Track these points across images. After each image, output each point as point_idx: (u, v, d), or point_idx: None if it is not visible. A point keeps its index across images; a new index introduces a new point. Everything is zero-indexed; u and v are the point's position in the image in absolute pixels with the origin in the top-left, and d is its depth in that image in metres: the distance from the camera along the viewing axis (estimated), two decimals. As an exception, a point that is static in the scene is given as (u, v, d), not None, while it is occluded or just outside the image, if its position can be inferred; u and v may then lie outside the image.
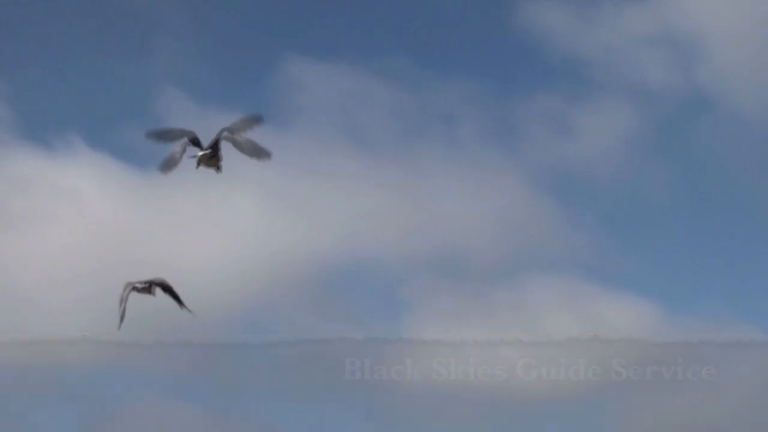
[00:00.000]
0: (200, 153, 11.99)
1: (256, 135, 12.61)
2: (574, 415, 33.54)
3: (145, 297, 14.03)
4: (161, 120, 37.14)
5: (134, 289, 13.69)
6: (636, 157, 37.46)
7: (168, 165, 12.39)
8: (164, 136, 12.20)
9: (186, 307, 13.56)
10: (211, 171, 12.62)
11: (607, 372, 32.96)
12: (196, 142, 12.65)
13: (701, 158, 37.51)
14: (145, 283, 13.73)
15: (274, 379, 33.43)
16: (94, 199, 32.69)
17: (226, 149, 12.32)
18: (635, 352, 33.46)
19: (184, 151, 12.45)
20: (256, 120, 12.07)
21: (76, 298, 26.40)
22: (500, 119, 37.88)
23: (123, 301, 13.43)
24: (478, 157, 36.88)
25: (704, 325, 34.62)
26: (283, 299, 33.51)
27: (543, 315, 34.05)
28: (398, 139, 37.02)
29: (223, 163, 12.73)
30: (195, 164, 12.03)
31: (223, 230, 29.36)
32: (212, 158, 12.12)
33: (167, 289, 13.66)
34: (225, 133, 12.09)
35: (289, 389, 33.74)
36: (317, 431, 33.11)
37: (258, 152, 12.03)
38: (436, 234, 35.33)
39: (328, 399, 34.16)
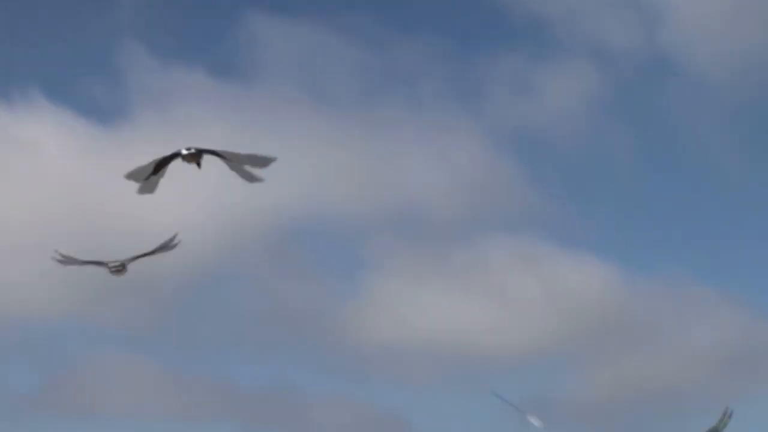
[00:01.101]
0: (184, 152, 11.95)
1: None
2: (534, 373, 33.73)
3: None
4: (122, 74, 36.86)
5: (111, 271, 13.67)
6: (598, 119, 37.54)
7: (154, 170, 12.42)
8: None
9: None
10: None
11: (566, 331, 33.18)
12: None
13: (663, 120, 37.65)
14: (120, 264, 13.70)
15: (232, 335, 33.44)
16: (53, 152, 32.51)
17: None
18: (594, 312, 33.70)
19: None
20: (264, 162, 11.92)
21: (34, 248, 26.23)
22: (462, 79, 37.85)
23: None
24: (439, 116, 36.87)
25: (662, 287, 34.90)
26: (242, 255, 33.49)
27: (502, 275, 34.20)
28: (359, 97, 36.93)
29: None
30: (179, 159, 12.01)
31: (182, 185, 29.18)
32: (195, 156, 12.13)
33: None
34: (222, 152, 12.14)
35: (246, 344, 33.76)
36: (274, 385, 33.18)
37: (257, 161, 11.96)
38: (396, 192, 35.35)
39: (286, 354, 34.21)
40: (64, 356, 32.94)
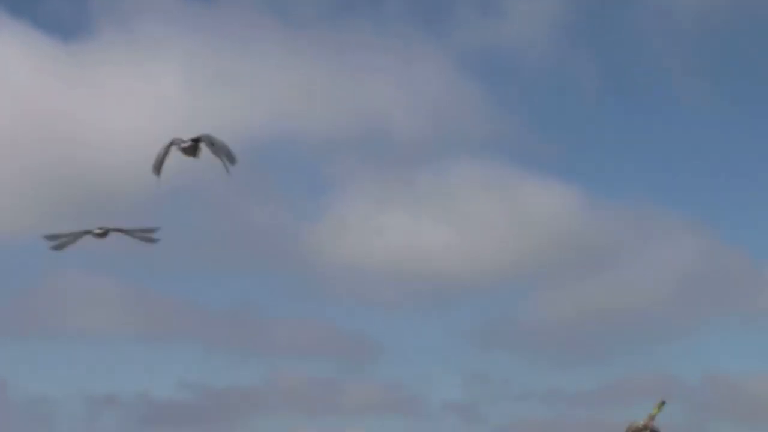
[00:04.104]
0: (183, 144, 12.27)
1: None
2: (497, 296, 33.96)
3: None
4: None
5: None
6: (563, 42, 37.50)
7: (156, 167, 12.54)
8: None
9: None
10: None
11: (529, 254, 33.33)
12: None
13: (628, 45, 37.64)
14: (103, 231, 13.55)
15: (196, 255, 33.43)
16: (16, 68, 32.19)
17: None
18: (557, 235, 33.85)
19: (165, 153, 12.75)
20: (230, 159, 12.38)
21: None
22: (428, 0, 37.64)
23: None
24: (405, 37, 36.71)
25: (625, 211, 35.10)
26: (205, 175, 33.35)
27: (466, 197, 34.28)
28: (324, 16, 36.69)
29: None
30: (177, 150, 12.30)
31: (146, 104, 28.98)
32: (192, 148, 12.43)
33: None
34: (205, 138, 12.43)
35: (210, 265, 33.77)
36: (237, 306, 33.25)
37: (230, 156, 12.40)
38: (360, 113, 35.28)
39: (249, 274, 34.26)
40: (27, 275, 32.84)
